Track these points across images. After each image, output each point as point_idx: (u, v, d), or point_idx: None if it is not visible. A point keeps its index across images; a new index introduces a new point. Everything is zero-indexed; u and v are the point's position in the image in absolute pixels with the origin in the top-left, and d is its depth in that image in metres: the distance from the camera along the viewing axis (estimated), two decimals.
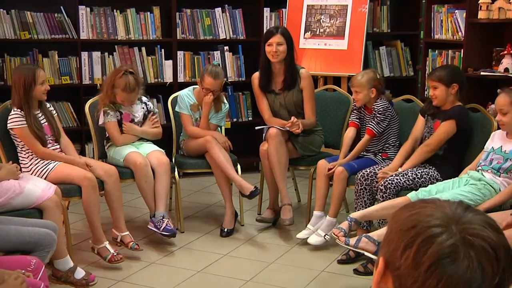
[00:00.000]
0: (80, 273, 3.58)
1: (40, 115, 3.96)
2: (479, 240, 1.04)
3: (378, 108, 4.24)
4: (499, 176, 3.59)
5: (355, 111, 4.44)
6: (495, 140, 3.68)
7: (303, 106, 4.62)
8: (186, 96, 4.67)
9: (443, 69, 4.05)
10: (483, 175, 3.62)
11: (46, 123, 3.98)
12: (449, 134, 3.88)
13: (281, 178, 4.44)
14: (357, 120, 4.40)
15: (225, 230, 4.50)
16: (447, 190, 3.63)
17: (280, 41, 4.50)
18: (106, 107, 4.33)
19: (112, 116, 4.34)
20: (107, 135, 4.45)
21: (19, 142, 3.91)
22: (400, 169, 3.93)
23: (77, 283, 3.57)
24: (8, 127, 3.86)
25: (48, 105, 4.09)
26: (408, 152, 4.06)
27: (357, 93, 4.26)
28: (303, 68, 4.71)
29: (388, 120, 4.26)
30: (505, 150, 3.60)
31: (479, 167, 3.69)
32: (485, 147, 3.72)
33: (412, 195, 3.59)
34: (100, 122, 4.38)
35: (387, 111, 4.24)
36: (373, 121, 4.25)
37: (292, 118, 4.38)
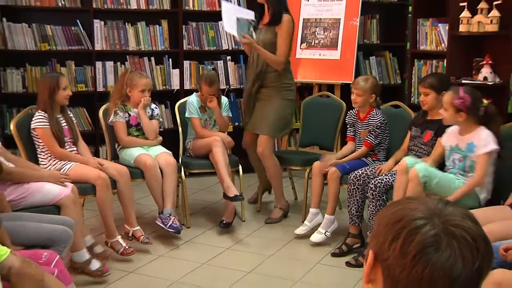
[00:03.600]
0: (95, 265, 3.59)
1: (61, 118, 3.99)
2: (460, 230, 1.05)
3: (375, 122, 4.23)
4: (467, 177, 3.55)
5: (350, 125, 4.41)
6: (451, 138, 3.64)
7: (272, 47, 4.49)
8: (195, 101, 4.69)
9: (434, 77, 4.03)
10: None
11: (66, 127, 4.00)
12: None
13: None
14: (353, 134, 4.41)
15: (223, 221, 4.50)
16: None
17: None
18: (116, 107, 4.37)
19: (120, 116, 4.36)
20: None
21: (40, 143, 3.92)
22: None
23: (93, 274, 3.58)
24: (32, 127, 3.88)
25: (69, 112, 4.12)
26: (400, 158, 4.06)
27: (358, 96, 4.25)
28: (288, 14, 4.52)
29: (383, 131, 4.27)
30: (461, 148, 3.56)
31: (448, 171, 3.66)
32: (442, 141, 3.71)
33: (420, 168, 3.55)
34: (109, 120, 4.42)
35: (383, 124, 4.25)
36: (372, 135, 4.24)
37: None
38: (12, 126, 3.91)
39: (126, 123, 4.40)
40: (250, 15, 4.67)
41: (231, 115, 4.93)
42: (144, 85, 4.38)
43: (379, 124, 4.23)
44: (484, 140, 3.45)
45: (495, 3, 4.18)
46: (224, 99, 4.81)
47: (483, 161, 3.45)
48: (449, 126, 3.72)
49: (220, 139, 4.50)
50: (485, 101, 3.56)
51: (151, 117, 4.49)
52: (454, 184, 3.55)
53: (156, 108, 4.55)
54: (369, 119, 4.27)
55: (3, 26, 5.29)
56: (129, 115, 4.41)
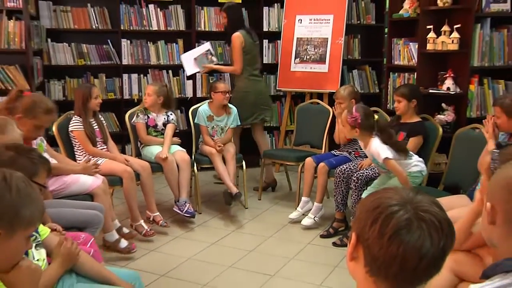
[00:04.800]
0: (124, 243, 3.61)
1: (93, 122, 4.00)
2: (428, 214, 1.05)
3: None
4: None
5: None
6: (364, 150, 3.69)
7: (230, 60, 5.14)
8: (204, 111, 4.70)
9: (406, 87, 4.03)
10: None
11: (97, 129, 4.01)
12: (419, 145, 3.89)
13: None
14: None
15: (232, 194, 4.42)
16: (385, 183, 3.64)
17: (223, 15, 5.08)
18: (138, 110, 4.44)
19: (141, 118, 4.41)
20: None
21: (76, 142, 3.94)
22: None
23: (122, 251, 3.60)
24: (69, 130, 3.91)
25: (100, 116, 4.13)
26: None
27: (340, 104, 4.27)
28: (240, 31, 4.98)
29: None
30: (370, 159, 3.59)
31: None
32: None
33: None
34: (132, 121, 4.46)
35: None
36: None
37: None
38: (54, 128, 3.93)
39: (146, 124, 4.42)
40: (206, 47, 5.16)
41: (239, 123, 4.91)
42: (147, 89, 4.48)
43: None
44: (376, 153, 3.45)
45: (455, 26, 4.20)
46: (234, 110, 4.78)
47: (390, 165, 3.44)
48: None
49: (216, 154, 4.49)
50: (376, 116, 3.55)
51: (167, 122, 4.48)
52: (392, 179, 3.58)
53: (171, 114, 4.55)
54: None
55: (48, 46, 5.33)
56: (148, 117, 4.43)
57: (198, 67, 5.08)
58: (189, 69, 5.13)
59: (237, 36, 4.90)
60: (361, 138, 3.55)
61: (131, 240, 3.74)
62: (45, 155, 3.29)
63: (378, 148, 3.43)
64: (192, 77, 5.80)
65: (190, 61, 5.11)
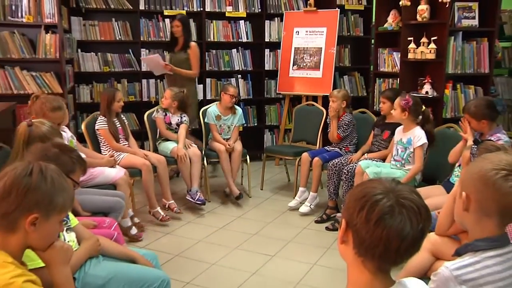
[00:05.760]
0: (134, 230, 3.62)
1: (116, 121, 4.00)
2: (408, 201, 1.06)
3: (344, 121, 4.26)
4: (404, 166, 3.55)
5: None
6: (398, 134, 3.65)
7: (184, 65, 4.90)
8: (212, 111, 4.69)
9: (390, 91, 4.03)
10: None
11: (120, 127, 4.01)
12: None
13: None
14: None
15: (235, 196, 4.46)
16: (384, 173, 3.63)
17: (178, 24, 4.89)
18: (159, 108, 4.49)
19: (160, 114, 4.45)
20: (157, 136, 4.49)
21: (102, 139, 3.95)
22: (366, 156, 3.95)
23: (132, 237, 3.58)
24: (96, 128, 3.93)
25: (123, 116, 4.14)
26: (365, 151, 4.07)
27: (333, 102, 4.27)
28: (194, 42, 4.98)
29: (350, 128, 4.28)
30: (403, 141, 3.56)
31: (392, 163, 3.65)
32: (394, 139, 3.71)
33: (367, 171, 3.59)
34: (153, 115, 4.49)
35: (350, 123, 4.26)
36: (341, 129, 4.27)
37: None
38: (83, 127, 3.96)
39: (163, 120, 4.45)
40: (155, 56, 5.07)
41: (244, 122, 4.90)
42: (165, 93, 4.51)
43: (347, 122, 4.26)
44: (418, 137, 3.47)
45: (432, 38, 4.21)
46: (239, 110, 4.75)
47: (419, 153, 3.46)
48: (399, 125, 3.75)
49: (224, 151, 4.47)
50: (423, 107, 3.57)
51: (180, 122, 4.48)
52: (395, 175, 3.55)
53: (184, 116, 4.54)
54: (342, 119, 4.29)
55: (78, 55, 5.34)
56: (166, 114, 4.45)
57: (160, 61, 4.90)
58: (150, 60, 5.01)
59: (196, 45, 4.97)
60: (406, 122, 3.54)
61: (140, 229, 3.74)
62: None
63: (422, 134, 3.46)
64: (203, 81, 5.81)
65: (151, 63, 4.99)
